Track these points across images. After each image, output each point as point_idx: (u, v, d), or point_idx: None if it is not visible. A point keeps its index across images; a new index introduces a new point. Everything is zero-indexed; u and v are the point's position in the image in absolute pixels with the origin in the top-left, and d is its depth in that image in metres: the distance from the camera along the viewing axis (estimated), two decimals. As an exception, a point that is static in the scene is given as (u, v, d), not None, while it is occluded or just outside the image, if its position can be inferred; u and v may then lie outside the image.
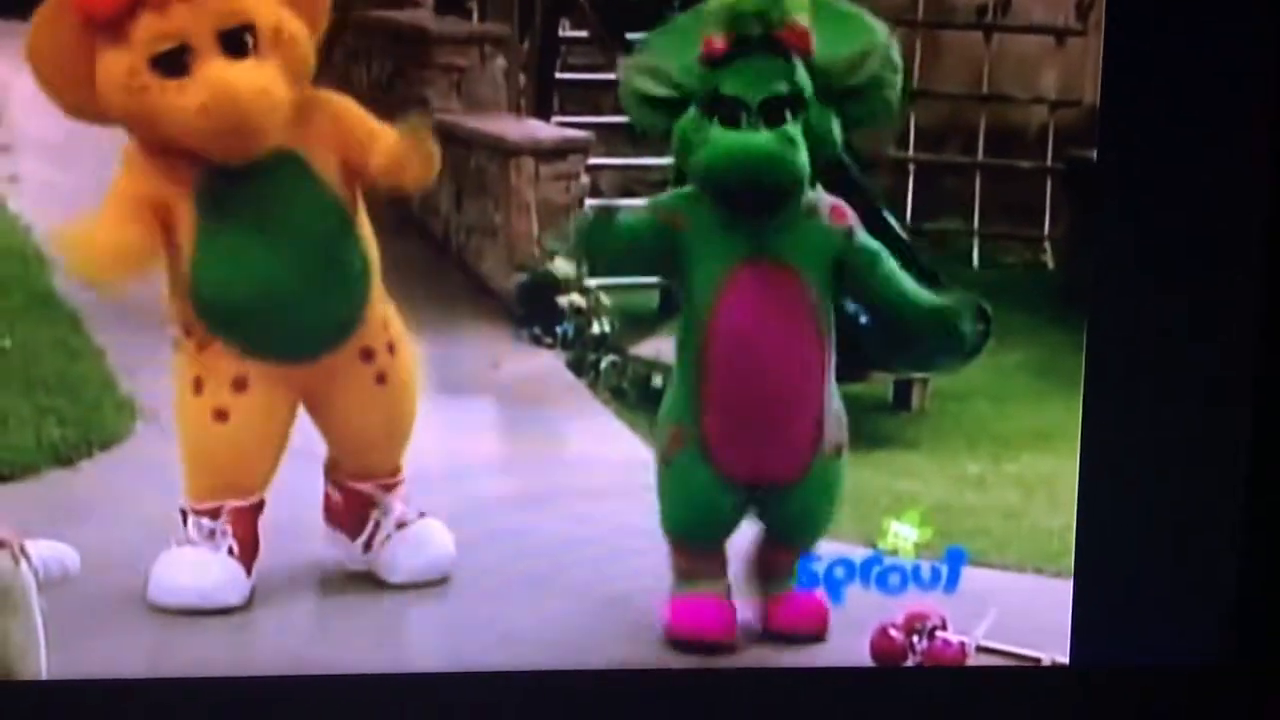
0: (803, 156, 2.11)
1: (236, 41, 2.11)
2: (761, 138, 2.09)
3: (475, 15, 3.67)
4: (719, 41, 2.11)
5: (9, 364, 2.52)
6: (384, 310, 2.31)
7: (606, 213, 2.28)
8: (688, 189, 2.22)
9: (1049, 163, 3.65)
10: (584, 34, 3.78)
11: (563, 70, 3.76)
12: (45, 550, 2.07)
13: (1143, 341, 2.23)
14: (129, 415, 2.59)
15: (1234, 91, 2.17)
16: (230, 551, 2.26)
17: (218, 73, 2.09)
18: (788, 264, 2.18)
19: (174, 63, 2.10)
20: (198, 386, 2.25)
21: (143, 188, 2.18)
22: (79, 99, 2.14)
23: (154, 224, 2.18)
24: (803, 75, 2.13)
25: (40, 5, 2.13)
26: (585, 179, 3.32)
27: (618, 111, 3.75)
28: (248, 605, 2.28)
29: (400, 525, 2.36)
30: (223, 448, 2.25)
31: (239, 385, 2.24)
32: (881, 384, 3.18)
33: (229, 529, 2.26)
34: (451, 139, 3.42)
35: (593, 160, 3.31)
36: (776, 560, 2.29)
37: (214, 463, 2.27)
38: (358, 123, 2.24)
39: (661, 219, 2.20)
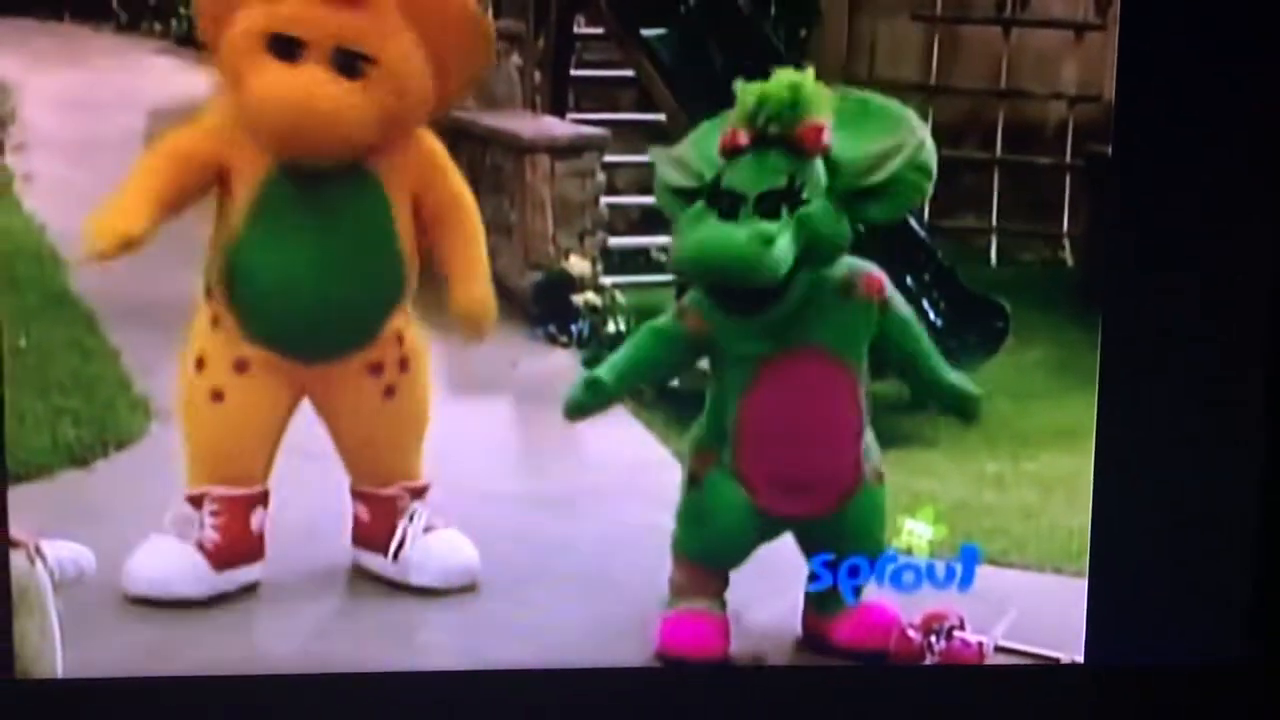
0: (779, 254, 2.06)
1: (349, 61, 2.12)
2: (734, 234, 2.06)
3: (490, 12, 3.67)
4: (741, 136, 2.11)
5: (25, 364, 2.52)
6: (402, 326, 2.31)
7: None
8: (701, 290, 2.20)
9: (1068, 159, 3.64)
10: (599, 30, 3.78)
11: (578, 67, 3.76)
12: (61, 550, 2.07)
13: (1157, 340, 2.23)
14: (143, 415, 2.60)
15: (1249, 88, 2.16)
16: (201, 545, 2.26)
17: (304, 79, 2.10)
18: (825, 350, 2.16)
19: (285, 49, 2.11)
20: (200, 364, 2.26)
21: (211, 144, 2.19)
22: (213, 23, 2.16)
23: (197, 182, 2.18)
24: (811, 171, 2.10)
25: None
26: (601, 176, 3.32)
27: (634, 108, 3.77)
28: (251, 602, 2.27)
29: (428, 530, 2.35)
30: (215, 428, 2.26)
31: (240, 367, 2.24)
32: (900, 382, 3.22)
33: (209, 520, 2.25)
34: (467, 136, 3.42)
35: (609, 157, 3.32)
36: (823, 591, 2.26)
37: (205, 442, 2.27)
38: (441, 175, 2.27)
39: (684, 325, 2.19)
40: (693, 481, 2.22)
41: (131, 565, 2.24)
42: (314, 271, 2.20)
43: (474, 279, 2.31)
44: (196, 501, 2.27)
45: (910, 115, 2.17)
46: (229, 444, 2.26)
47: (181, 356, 2.29)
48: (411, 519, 2.35)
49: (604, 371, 2.20)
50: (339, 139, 2.13)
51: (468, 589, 2.34)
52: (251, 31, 2.12)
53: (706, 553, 2.23)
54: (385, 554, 2.35)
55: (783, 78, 2.12)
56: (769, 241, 2.06)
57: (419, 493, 2.36)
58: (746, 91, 2.12)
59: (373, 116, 2.14)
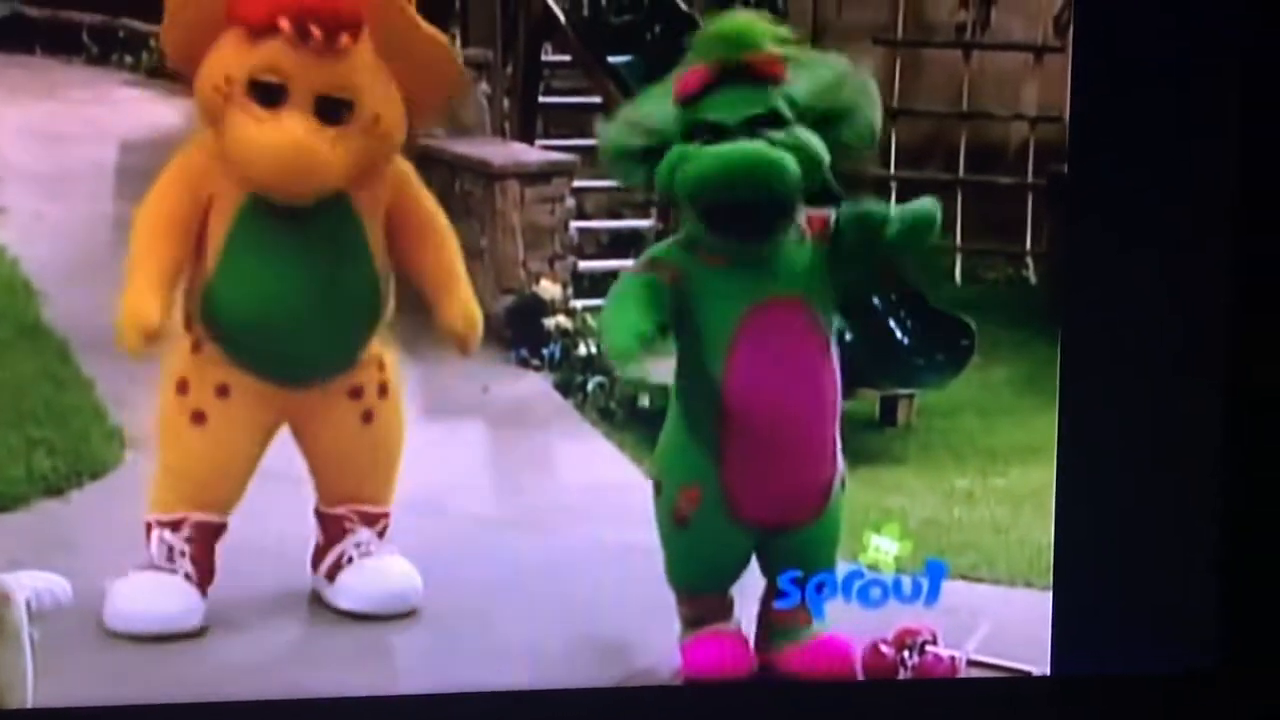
0: (795, 164, 2.07)
1: (332, 109, 2.14)
2: (753, 144, 2.06)
3: (459, 41, 3.70)
4: (693, 78, 2.11)
5: (-2, 396, 2.55)
6: (381, 352, 2.32)
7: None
8: (677, 238, 2.19)
9: (1030, 179, 3.68)
10: (566, 58, 3.81)
11: (546, 94, 3.80)
12: (37, 580, 2.07)
13: (1117, 354, 2.25)
14: (118, 444, 2.60)
15: (1206, 106, 2.19)
16: (188, 575, 2.26)
17: (288, 128, 2.11)
18: (794, 296, 2.15)
19: (266, 94, 2.13)
20: (182, 387, 2.26)
21: (193, 193, 2.20)
22: (183, 54, 2.17)
23: (191, 241, 2.20)
24: (779, 100, 2.12)
25: None
26: (570, 201, 3.35)
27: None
28: (212, 628, 2.26)
29: (364, 554, 2.34)
30: (195, 451, 2.26)
31: (221, 392, 2.25)
32: (868, 400, 3.20)
33: (188, 549, 2.26)
34: (437, 163, 3.44)
35: (577, 182, 3.34)
36: (797, 607, 2.23)
37: (184, 466, 2.27)
38: (413, 196, 2.29)
39: (661, 277, 2.14)
40: (679, 522, 2.19)
41: (122, 604, 2.24)
42: (292, 298, 2.21)
43: (456, 291, 2.32)
44: (174, 526, 2.27)
45: (844, 59, 2.20)
46: (208, 467, 2.26)
47: (162, 376, 2.29)
48: (354, 542, 2.34)
49: (637, 322, 2.09)
50: (320, 185, 2.15)
51: (406, 615, 2.33)
52: (233, 76, 2.13)
53: (702, 584, 2.23)
54: (326, 576, 2.34)
55: (726, 17, 2.14)
56: (785, 150, 2.06)
57: (373, 519, 2.35)
58: (706, 29, 2.13)
59: (353, 161, 2.16)
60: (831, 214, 2.19)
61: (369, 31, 2.16)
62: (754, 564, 2.27)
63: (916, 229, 2.17)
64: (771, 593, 2.24)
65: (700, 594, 2.24)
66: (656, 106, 2.16)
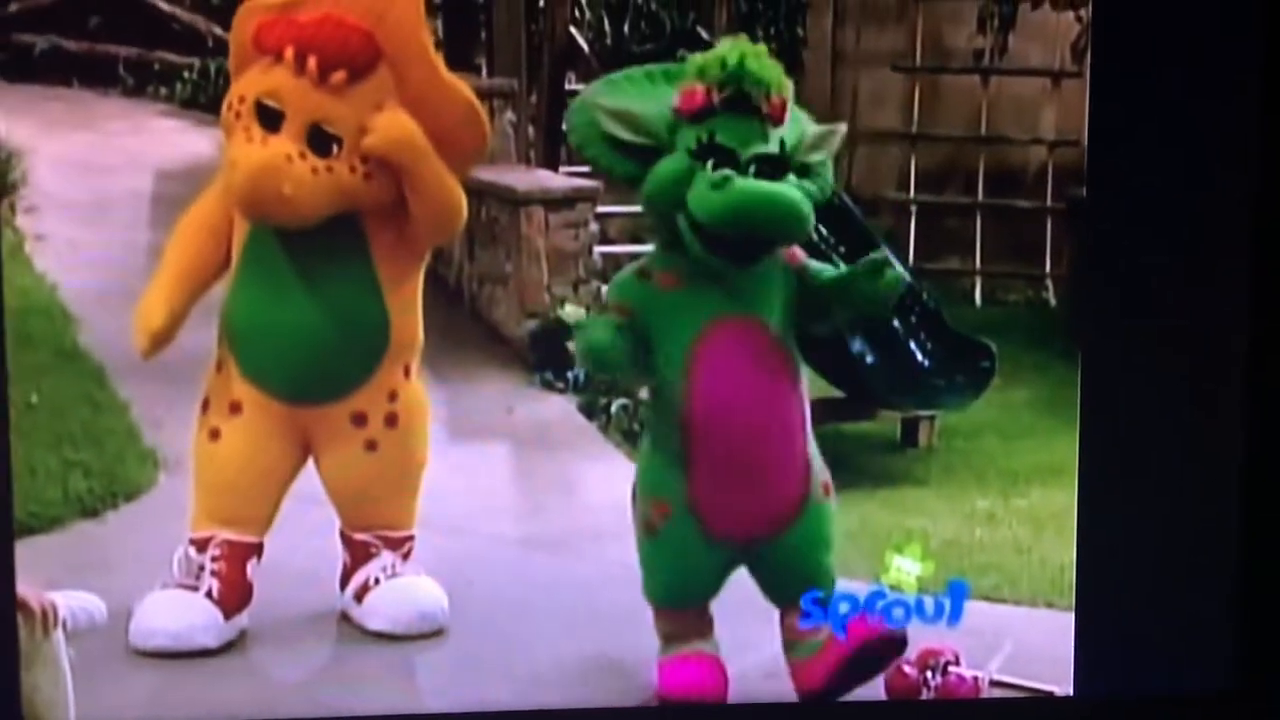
0: (811, 210, 2.12)
1: (322, 140, 2.20)
2: (782, 188, 2.10)
3: (484, 71, 3.75)
4: (699, 96, 2.13)
5: (36, 419, 2.57)
6: (396, 384, 2.33)
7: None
8: (634, 268, 2.23)
9: (1049, 202, 3.70)
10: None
11: (570, 122, 3.83)
12: (73, 600, 2.10)
13: (1137, 376, 2.25)
14: (152, 466, 2.65)
15: (1222, 128, 2.19)
16: (210, 593, 2.28)
17: (271, 153, 2.17)
18: (753, 313, 2.18)
19: (267, 118, 2.20)
20: (205, 405, 2.33)
21: (221, 206, 2.26)
22: (236, 79, 2.25)
23: (217, 249, 2.27)
24: (780, 141, 2.15)
25: None
26: (594, 226, 3.38)
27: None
28: (241, 649, 2.28)
29: (390, 576, 2.37)
30: (212, 467, 2.31)
31: (234, 408, 2.30)
32: (889, 422, 3.21)
33: (215, 567, 2.29)
34: (463, 190, 3.49)
35: (601, 208, 3.38)
36: (794, 623, 2.24)
37: (204, 482, 2.32)
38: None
39: (617, 319, 2.17)
40: (649, 532, 2.23)
41: (142, 620, 2.26)
42: (292, 316, 2.26)
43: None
44: (201, 545, 2.31)
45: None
46: (224, 483, 2.30)
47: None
48: (379, 565, 2.36)
49: (608, 324, 2.16)
50: (293, 212, 2.19)
51: (434, 634, 2.35)
52: (245, 97, 2.21)
53: (674, 597, 2.25)
54: (354, 598, 2.37)
55: (744, 46, 2.15)
56: (810, 199, 2.12)
57: (397, 543, 2.38)
58: (717, 55, 2.14)
59: (332, 194, 2.20)
60: (802, 257, 2.23)
61: (394, 80, 2.21)
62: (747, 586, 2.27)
63: (858, 287, 2.18)
64: (787, 613, 2.25)
65: (673, 608, 2.25)
66: (646, 105, 2.18)
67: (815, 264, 2.25)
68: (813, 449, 2.24)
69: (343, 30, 2.19)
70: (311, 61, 2.17)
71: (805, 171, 2.18)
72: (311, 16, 2.19)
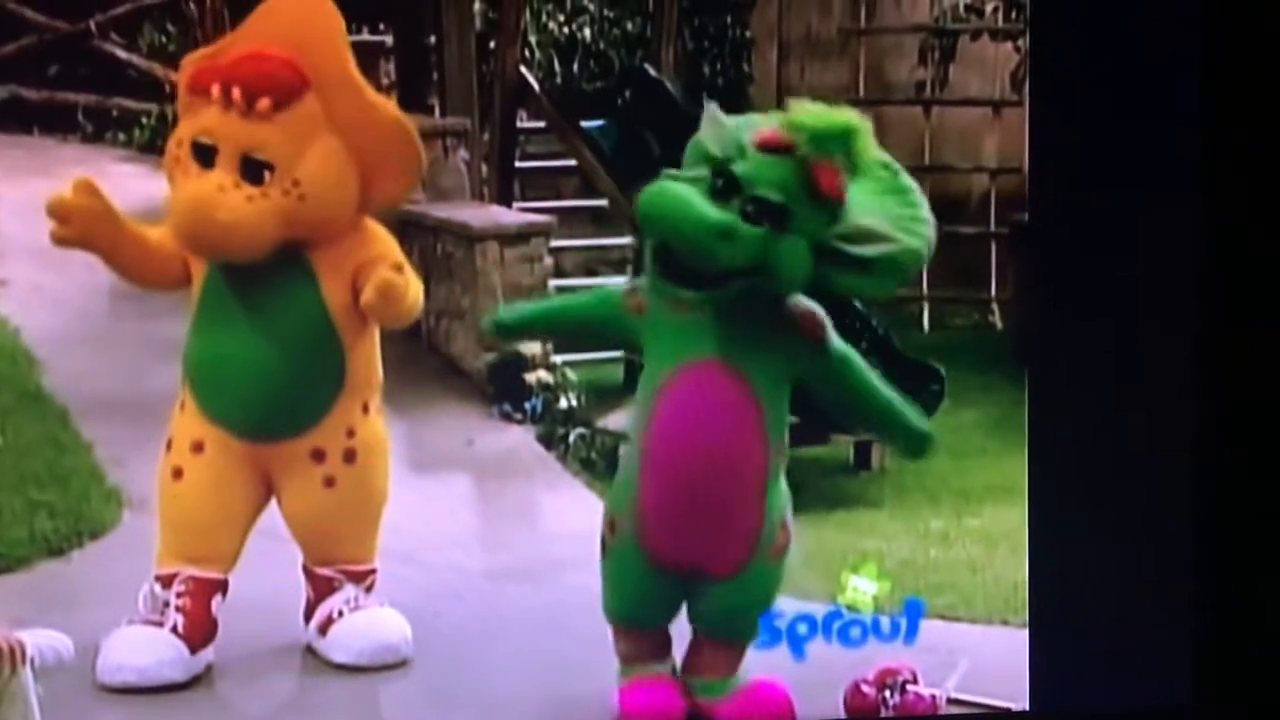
0: (732, 251, 2.06)
1: (254, 169, 2.24)
2: (708, 210, 2.07)
3: (438, 111, 3.80)
4: (780, 139, 2.10)
5: (1, 461, 2.59)
6: (354, 421, 2.35)
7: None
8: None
9: (992, 228, 3.76)
10: (541, 124, 3.91)
11: (522, 158, 3.88)
12: (40, 638, 2.10)
13: (1083, 395, 2.25)
14: (116, 505, 2.67)
15: (1161, 151, 2.21)
16: (176, 628, 2.28)
17: (206, 187, 2.21)
18: (738, 370, 2.16)
19: (202, 155, 2.25)
20: (169, 444, 2.34)
21: (172, 241, 2.30)
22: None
23: (150, 249, 2.32)
24: (810, 204, 2.10)
25: None
26: (548, 260, 3.43)
27: (576, 195, 3.86)
28: (207, 683, 2.28)
29: (354, 609, 2.38)
30: (176, 505, 2.32)
31: (196, 447, 2.32)
32: (842, 445, 3.27)
33: (180, 602, 2.29)
34: (418, 227, 3.53)
35: (555, 242, 3.42)
36: (714, 659, 2.24)
37: (168, 520, 2.33)
38: (381, 260, 2.30)
39: (627, 302, 2.21)
40: (603, 546, 2.24)
41: (109, 656, 2.26)
42: (247, 355, 2.29)
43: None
44: (166, 581, 2.31)
45: (926, 220, 2.17)
46: (188, 520, 2.32)
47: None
48: (342, 599, 2.37)
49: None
50: (238, 243, 2.24)
51: (398, 665, 2.35)
52: (182, 140, 2.26)
53: (625, 614, 2.25)
54: (319, 631, 2.38)
55: (850, 118, 2.13)
56: (734, 239, 2.07)
57: (359, 576, 2.39)
58: (822, 116, 2.11)
59: (271, 220, 2.24)
60: (828, 329, 2.19)
61: (322, 106, 2.25)
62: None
63: (899, 442, 2.28)
64: (695, 644, 2.25)
65: (627, 627, 2.26)
66: (739, 134, 2.15)
67: (857, 361, 2.22)
68: (774, 506, 2.20)
69: (264, 61, 2.24)
70: (236, 92, 2.22)
71: (842, 260, 2.10)
72: (235, 55, 2.26)
